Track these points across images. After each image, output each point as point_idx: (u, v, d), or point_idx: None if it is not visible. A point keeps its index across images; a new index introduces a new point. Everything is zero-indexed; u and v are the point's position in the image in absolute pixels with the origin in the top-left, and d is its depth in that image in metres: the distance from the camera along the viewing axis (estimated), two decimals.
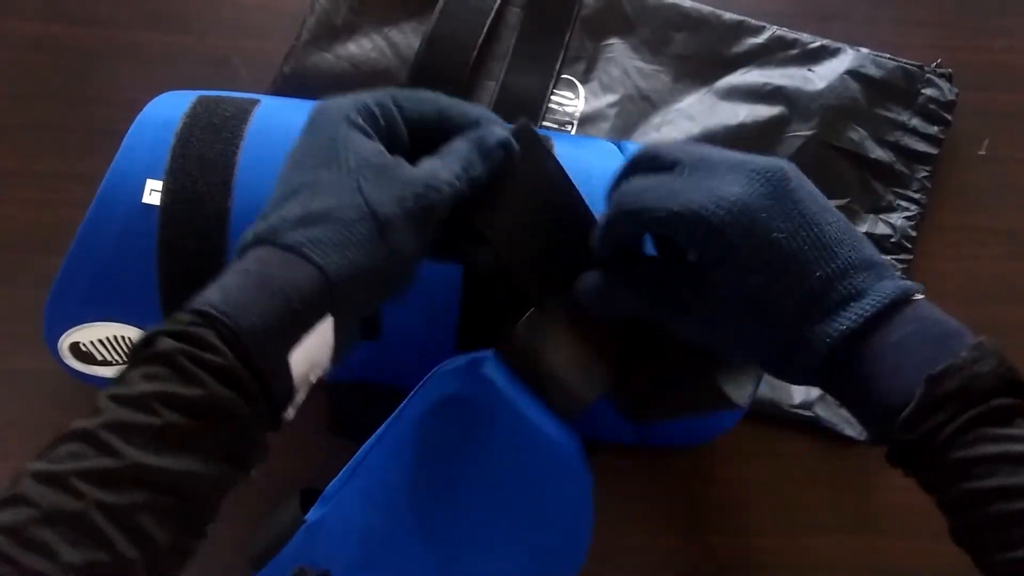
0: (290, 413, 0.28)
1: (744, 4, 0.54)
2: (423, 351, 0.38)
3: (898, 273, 0.30)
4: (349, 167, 0.29)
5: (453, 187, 0.30)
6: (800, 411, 0.47)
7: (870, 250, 0.29)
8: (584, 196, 0.36)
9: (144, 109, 0.40)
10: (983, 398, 0.26)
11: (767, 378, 0.46)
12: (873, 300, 0.28)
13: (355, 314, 0.30)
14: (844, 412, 0.47)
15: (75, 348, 0.40)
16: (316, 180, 0.29)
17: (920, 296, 0.29)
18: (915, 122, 0.51)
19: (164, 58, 0.50)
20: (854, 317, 0.28)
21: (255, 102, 0.40)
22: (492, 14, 0.48)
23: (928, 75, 0.51)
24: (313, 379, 0.28)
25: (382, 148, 0.31)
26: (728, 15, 0.52)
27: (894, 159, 0.51)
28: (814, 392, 0.47)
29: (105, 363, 0.40)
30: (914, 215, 0.50)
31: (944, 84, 0.51)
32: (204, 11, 0.51)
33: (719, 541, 0.46)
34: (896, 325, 0.28)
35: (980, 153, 0.53)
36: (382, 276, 0.29)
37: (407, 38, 0.50)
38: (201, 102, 0.40)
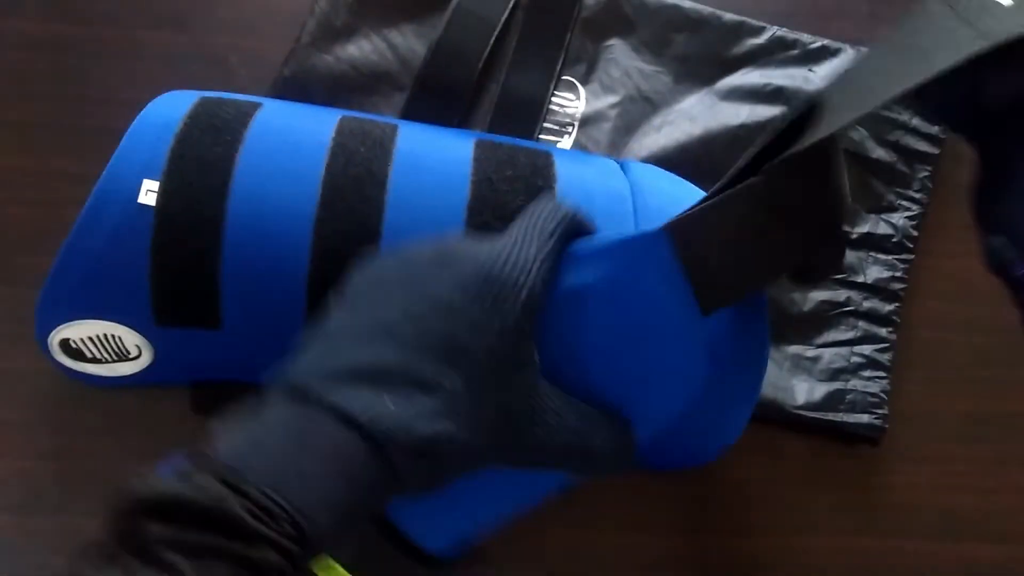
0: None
1: (743, 4, 0.54)
2: None
3: None
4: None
5: None
6: (803, 412, 0.47)
7: None
8: (585, 216, 0.36)
9: (145, 108, 0.39)
10: None
11: (770, 379, 0.46)
12: None
13: None
14: (847, 414, 0.47)
15: (65, 344, 0.40)
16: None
17: None
18: (916, 122, 0.51)
19: (164, 58, 0.50)
20: None
21: (257, 105, 0.40)
22: (500, 25, 0.48)
23: None
24: None
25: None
26: (728, 16, 0.52)
27: (895, 159, 0.51)
28: (817, 393, 0.47)
29: (94, 360, 0.40)
30: (915, 215, 0.50)
31: None
32: (203, 11, 0.51)
33: (719, 541, 0.46)
34: None
35: None
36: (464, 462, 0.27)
37: (407, 40, 0.50)
38: (203, 103, 0.39)
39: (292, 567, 0.23)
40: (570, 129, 0.49)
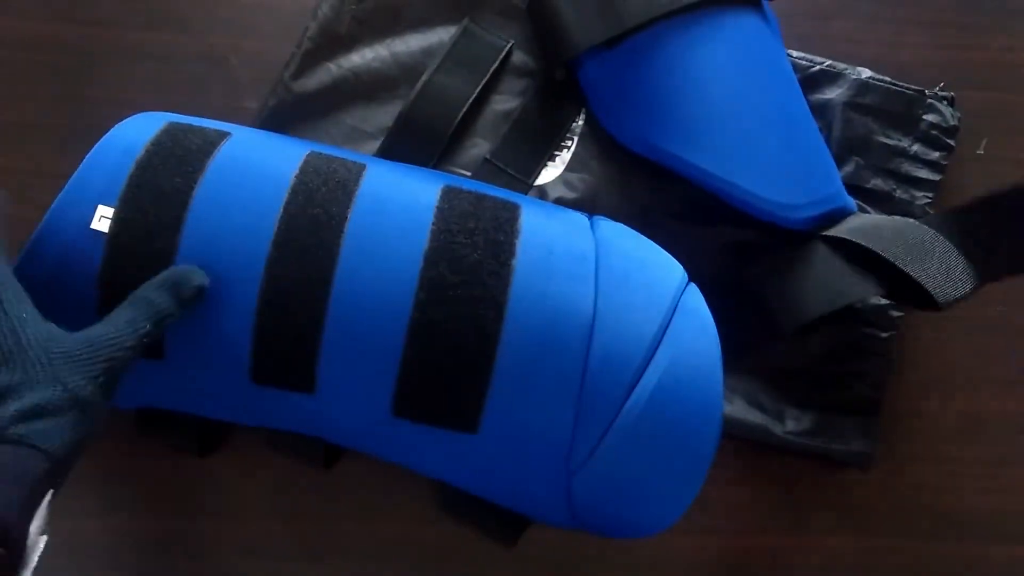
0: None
1: None
2: (355, 410, 0.38)
3: None
4: (39, 358, 0.32)
5: (141, 339, 0.34)
6: (790, 438, 0.46)
7: None
8: (541, 272, 0.37)
9: (111, 131, 0.39)
10: None
11: (759, 403, 0.46)
12: None
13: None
14: (835, 441, 0.46)
15: None
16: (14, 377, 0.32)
17: None
18: (916, 148, 0.50)
19: (164, 58, 0.50)
20: None
21: (225, 135, 0.39)
22: (489, 74, 0.48)
23: (930, 100, 0.50)
24: (41, 545, 0.31)
25: (46, 323, 0.33)
26: None
27: (894, 187, 0.50)
28: (806, 419, 0.46)
29: None
30: None
31: (946, 109, 0.50)
32: (204, 11, 0.51)
33: (718, 541, 0.46)
34: None
35: (978, 152, 0.53)
36: (89, 438, 0.33)
37: (410, 49, 0.50)
38: (169, 129, 0.39)
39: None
40: (569, 144, 0.48)
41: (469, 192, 0.39)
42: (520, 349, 0.36)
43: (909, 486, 0.48)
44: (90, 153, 0.38)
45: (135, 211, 0.36)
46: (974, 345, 0.50)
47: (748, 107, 0.44)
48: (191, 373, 0.38)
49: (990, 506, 0.47)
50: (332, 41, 0.49)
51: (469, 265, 0.36)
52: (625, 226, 0.41)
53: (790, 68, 0.47)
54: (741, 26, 0.44)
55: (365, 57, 0.49)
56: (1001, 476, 0.48)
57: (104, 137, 0.39)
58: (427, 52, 0.49)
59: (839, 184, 0.45)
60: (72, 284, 0.37)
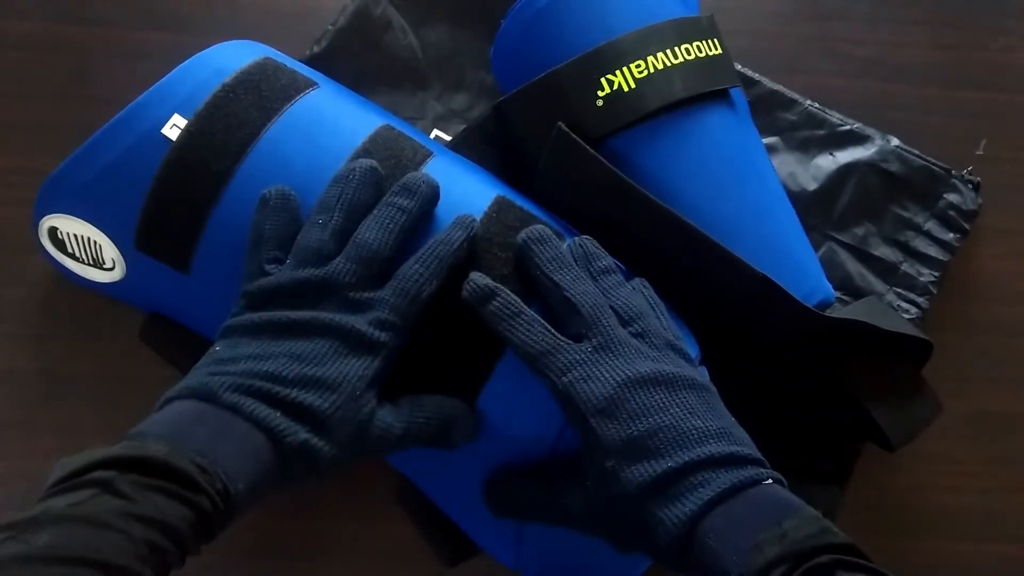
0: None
1: (742, 4, 0.54)
2: None
3: (755, 467, 0.32)
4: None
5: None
6: None
7: (725, 444, 0.32)
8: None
9: (208, 49, 0.40)
10: (801, 559, 0.28)
11: None
12: (715, 487, 0.31)
13: None
14: None
15: (52, 232, 0.40)
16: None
17: (769, 481, 0.31)
18: (930, 225, 0.50)
19: (165, 58, 0.49)
20: (696, 503, 0.30)
21: (313, 84, 0.40)
22: None
23: (954, 180, 0.50)
24: None
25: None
26: (767, 84, 0.51)
27: (901, 259, 0.49)
28: None
29: (73, 257, 0.41)
30: (913, 319, 0.48)
31: (969, 192, 0.50)
32: (204, 11, 0.51)
33: None
34: (734, 503, 0.30)
35: (978, 153, 0.53)
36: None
37: (440, 39, 0.50)
38: (262, 63, 0.40)
39: (219, 520, 0.29)
40: None
41: (520, 209, 0.39)
42: (516, 379, 0.36)
43: (909, 486, 0.48)
44: (184, 63, 0.39)
45: (206, 129, 0.37)
46: (974, 345, 0.50)
47: (717, 215, 0.40)
48: (209, 295, 0.38)
49: (990, 506, 0.47)
50: (366, 21, 0.50)
51: (495, 278, 0.36)
52: (655, 291, 0.39)
53: (763, 155, 0.45)
54: (706, 125, 0.41)
55: (397, 42, 0.50)
56: (1001, 476, 0.48)
57: (201, 52, 0.39)
58: (457, 50, 0.50)
59: (818, 275, 0.43)
60: (130, 177, 0.38)
